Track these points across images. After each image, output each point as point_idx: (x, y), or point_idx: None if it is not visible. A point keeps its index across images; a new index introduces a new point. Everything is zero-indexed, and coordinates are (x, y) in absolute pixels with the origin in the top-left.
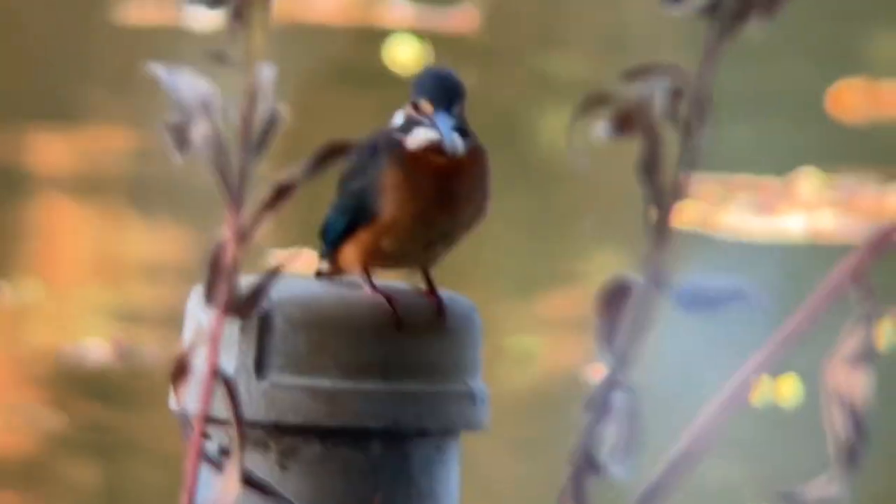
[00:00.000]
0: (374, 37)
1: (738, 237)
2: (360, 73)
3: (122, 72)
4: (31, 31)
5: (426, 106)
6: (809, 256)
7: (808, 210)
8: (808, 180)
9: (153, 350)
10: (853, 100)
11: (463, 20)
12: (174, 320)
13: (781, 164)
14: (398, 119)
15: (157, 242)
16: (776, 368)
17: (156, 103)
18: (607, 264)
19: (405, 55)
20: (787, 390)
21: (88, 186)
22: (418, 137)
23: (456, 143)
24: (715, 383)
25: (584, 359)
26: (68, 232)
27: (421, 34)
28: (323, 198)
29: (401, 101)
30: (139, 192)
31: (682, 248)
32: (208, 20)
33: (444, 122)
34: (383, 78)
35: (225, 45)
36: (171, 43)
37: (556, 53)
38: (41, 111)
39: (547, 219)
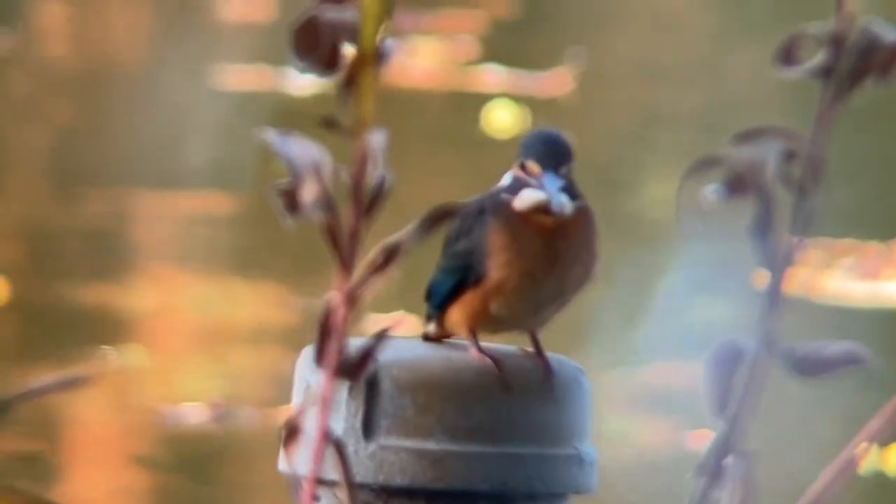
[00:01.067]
0: (471, 102)
1: (841, 302)
2: (458, 138)
3: (222, 136)
4: (134, 97)
5: (533, 167)
6: None
7: None
8: None
9: (251, 413)
10: None
11: (557, 83)
12: (277, 382)
13: (885, 228)
14: (506, 180)
15: (261, 306)
16: (887, 437)
17: (256, 168)
18: (714, 320)
19: (503, 120)
20: (894, 458)
21: (191, 254)
22: (526, 198)
23: (563, 203)
24: (825, 448)
25: (688, 426)
26: (172, 298)
27: (516, 99)
28: (419, 262)
29: (498, 164)
30: (241, 257)
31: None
32: (306, 86)
33: (552, 183)
34: (481, 142)
35: (335, 111)
36: (270, 108)
37: (654, 116)
38: (144, 178)
39: (649, 279)
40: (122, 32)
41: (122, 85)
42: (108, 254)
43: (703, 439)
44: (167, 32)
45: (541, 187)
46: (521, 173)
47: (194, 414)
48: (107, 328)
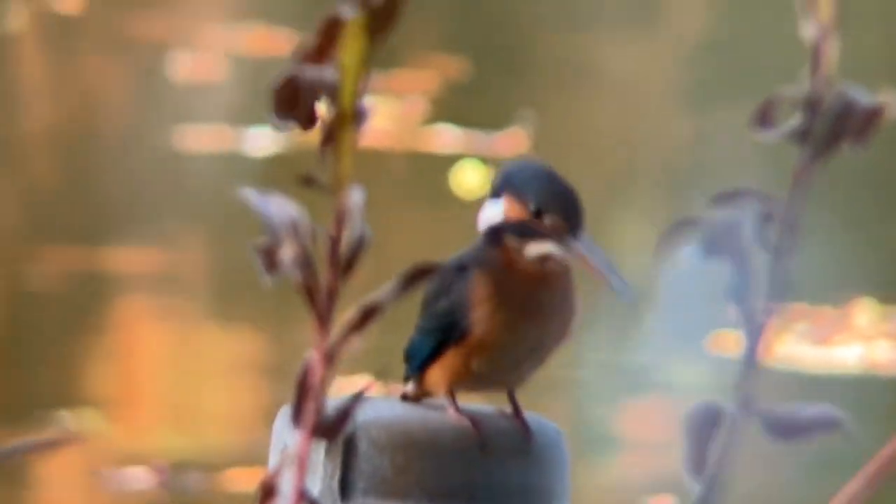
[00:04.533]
0: (430, 162)
1: (793, 367)
2: (424, 198)
3: (182, 197)
4: (108, 155)
5: (559, 223)
6: (865, 387)
7: (864, 341)
8: (864, 311)
9: (198, 476)
10: None
11: (511, 143)
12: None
13: (838, 294)
14: (493, 216)
15: (236, 355)
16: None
17: (209, 228)
18: (690, 384)
19: (471, 180)
20: None
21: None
22: (546, 252)
23: (625, 283)
24: None
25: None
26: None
27: (472, 159)
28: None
29: (467, 224)
30: (216, 302)
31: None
32: (266, 146)
33: (599, 255)
34: (448, 202)
35: (314, 168)
36: (229, 168)
37: (617, 178)
38: (117, 235)
39: (631, 338)
40: (97, 91)
41: (96, 143)
42: (78, 310)
43: None
44: (135, 92)
45: (584, 257)
46: (534, 223)
47: (140, 478)
48: (75, 390)
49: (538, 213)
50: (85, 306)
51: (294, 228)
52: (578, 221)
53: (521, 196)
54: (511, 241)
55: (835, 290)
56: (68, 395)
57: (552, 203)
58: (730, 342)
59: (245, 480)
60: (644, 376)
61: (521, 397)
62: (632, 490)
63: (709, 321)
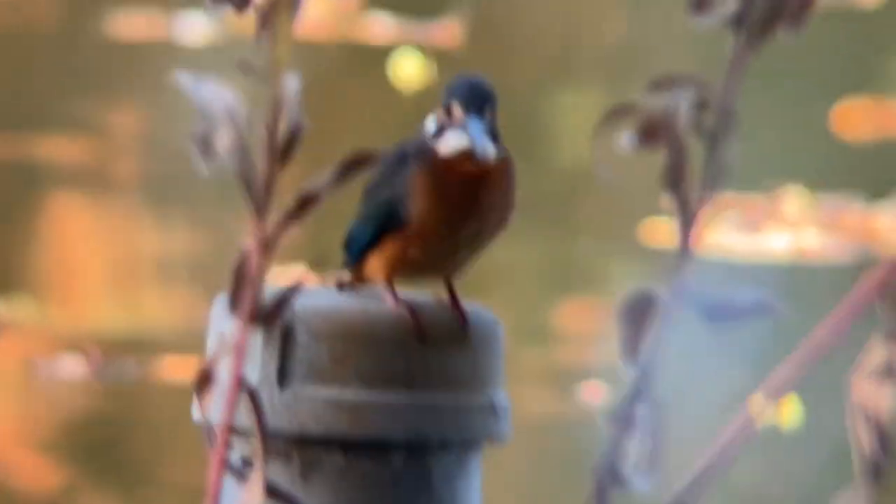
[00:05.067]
0: (364, 53)
1: (723, 256)
2: (360, 88)
3: (116, 85)
4: (39, 49)
5: (458, 111)
6: (794, 275)
7: (793, 229)
8: (793, 198)
9: (130, 362)
10: (859, 119)
11: (446, 33)
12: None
13: (767, 181)
14: (429, 125)
15: (170, 242)
16: (791, 386)
17: (142, 116)
18: (624, 275)
19: (409, 70)
20: (789, 411)
21: (100, 188)
22: (450, 143)
23: (487, 148)
24: (725, 395)
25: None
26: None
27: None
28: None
29: (405, 116)
30: (150, 193)
31: (665, 266)
32: (198, 35)
33: (476, 127)
34: (386, 92)
35: (249, 55)
36: (161, 56)
37: (555, 66)
38: (50, 124)
39: (567, 228)
40: None
41: (31, 30)
42: (9, 195)
43: (594, 390)
44: None
45: (464, 131)
46: (444, 117)
47: (72, 366)
48: (8, 277)
49: (447, 109)
50: (18, 195)
51: (230, 115)
52: (474, 104)
53: (442, 102)
54: (431, 141)
55: (764, 177)
56: (1, 281)
57: (454, 95)
58: (661, 232)
59: (179, 369)
60: (576, 267)
61: (459, 289)
62: (564, 378)
63: (640, 210)
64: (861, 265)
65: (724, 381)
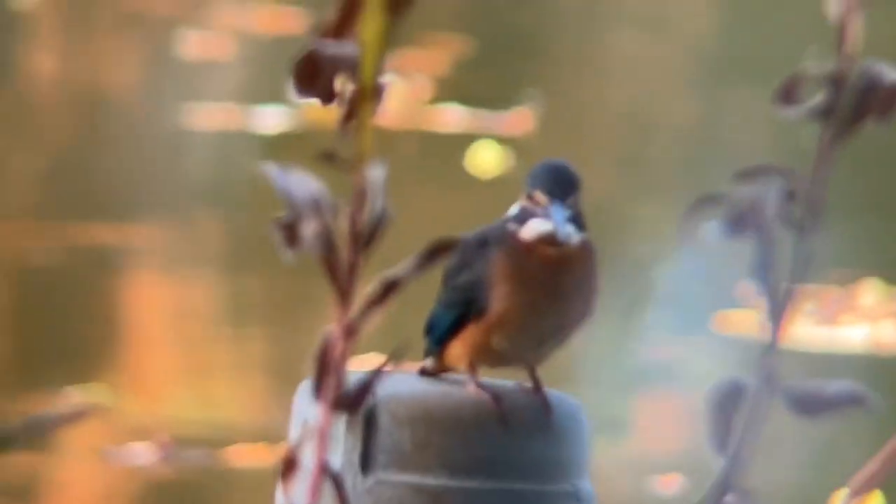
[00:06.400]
0: (439, 142)
1: (800, 347)
2: (438, 177)
3: (190, 175)
4: (101, 133)
5: (541, 197)
6: (871, 367)
7: (870, 321)
8: (870, 291)
9: (199, 452)
10: None
11: (517, 123)
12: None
13: (843, 274)
14: (513, 211)
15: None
16: (876, 483)
17: (245, 201)
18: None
19: (487, 160)
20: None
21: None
22: (533, 228)
23: (569, 233)
24: (809, 486)
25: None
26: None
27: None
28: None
29: (482, 204)
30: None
31: (744, 356)
32: (273, 125)
33: (559, 213)
34: (463, 182)
35: (333, 145)
36: (238, 147)
37: (627, 157)
38: (130, 210)
39: (639, 318)
40: (107, 68)
41: (107, 121)
42: (87, 282)
43: (670, 482)
44: (145, 70)
45: (547, 217)
46: (528, 203)
47: (142, 454)
48: (92, 363)
49: (531, 196)
50: (94, 281)
51: (315, 204)
52: (557, 191)
53: (526, 188)
54: (513, 226)
55: (841, 269)
56: (77, 370)
57: (538, 181)
58: (736, 322)
59: (249, 456)
60: (652, 361)
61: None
62: (642, 470)
63: (715, 301)
64: None
65: (805, 472)
